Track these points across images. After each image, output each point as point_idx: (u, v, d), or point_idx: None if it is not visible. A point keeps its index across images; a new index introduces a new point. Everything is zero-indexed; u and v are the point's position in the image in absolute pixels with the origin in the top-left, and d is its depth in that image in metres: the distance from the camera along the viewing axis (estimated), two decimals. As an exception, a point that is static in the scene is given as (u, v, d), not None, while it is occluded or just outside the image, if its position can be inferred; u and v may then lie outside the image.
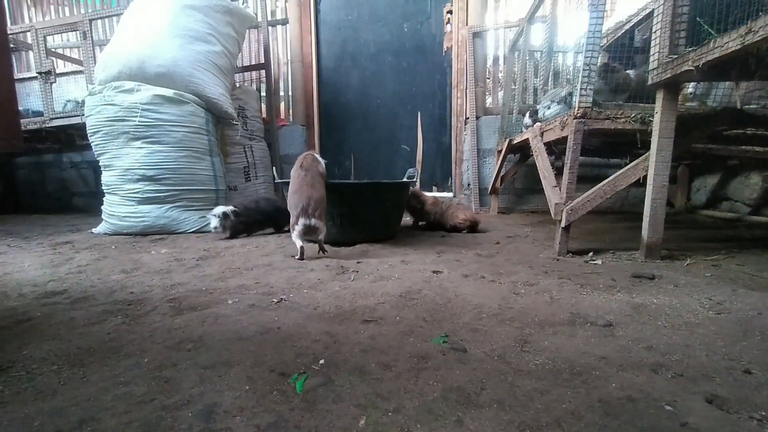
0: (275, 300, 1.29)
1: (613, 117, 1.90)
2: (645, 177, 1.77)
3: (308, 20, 4.30)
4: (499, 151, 3.64)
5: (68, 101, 4.05)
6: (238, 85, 4.05)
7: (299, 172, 2.02)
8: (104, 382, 0.80)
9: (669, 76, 1.55)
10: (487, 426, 0.65)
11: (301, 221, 1.85)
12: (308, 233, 1.89)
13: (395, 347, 0.93)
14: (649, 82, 1.68)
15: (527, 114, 2.95)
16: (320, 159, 2.16)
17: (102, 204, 2.91)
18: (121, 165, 2.77)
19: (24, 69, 5.10)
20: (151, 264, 1.86)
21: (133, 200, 2.76)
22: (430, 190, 4.37)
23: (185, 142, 2.82)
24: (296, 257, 1.89)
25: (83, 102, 3.11)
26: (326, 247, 2.03)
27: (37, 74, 3.75)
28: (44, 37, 3.70)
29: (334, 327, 1.06)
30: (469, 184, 4.10)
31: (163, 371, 0.83)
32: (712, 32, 1.37)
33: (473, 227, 2.71)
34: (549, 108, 2.54)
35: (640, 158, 1.80)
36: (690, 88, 2.33)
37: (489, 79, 4.15)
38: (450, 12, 4.11)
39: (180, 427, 0.65)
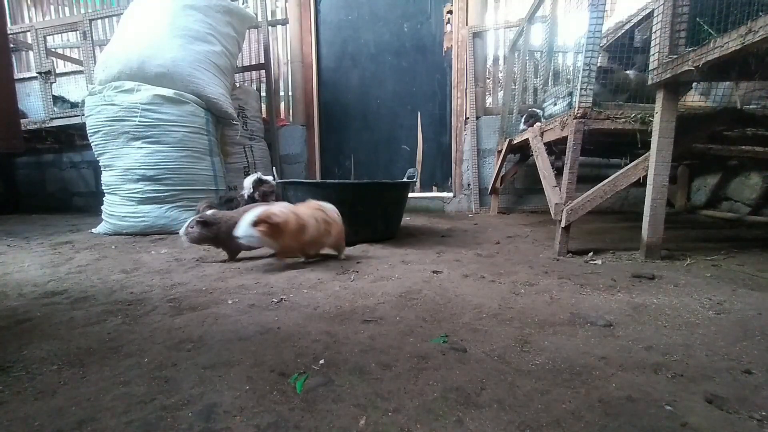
0: (275, 300, 1.29)
1: (613, 117, 1.90)
2: (645, 177, 1.77)
3: (308, 20, 4.30)
4: (499, 151, 3.64)
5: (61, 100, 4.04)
6: (238, 85, 4.05)
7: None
8: (104, 382, 0.80)
9: (669, 76, 1.55)
10: (487, 426, 0.65)
11: None
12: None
13: (395, 347, 0.93)
14: (649, 82, 1.68)
15: (522, 120, 2.95)
16: None
17: (102, 204, 2.91)
18: (121, 165, 2.77)
19: (24, 69, 5.10)
20: (151, 264, 1.86)
21: (133, 200, 2.76)
22: (431, 190, 4.38)
23: (185, 142, 2.82)
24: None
25: (83, 102, 3.10)
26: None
27: (37, 74, 3.75)
28: (44, 37, 3.70)
29: (334, 327, 1.06)
30: (469, 184, 4.10)
31: (163, 371, 0.83)
32: (712, 32, 1.37)
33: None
34: (555, 104, 2.53)
35: (640, 158, 1.80)
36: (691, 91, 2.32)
37: (489, 79, 4.14)
38: (450, 12, 4.11)
39: (180, 427, 0.65)
